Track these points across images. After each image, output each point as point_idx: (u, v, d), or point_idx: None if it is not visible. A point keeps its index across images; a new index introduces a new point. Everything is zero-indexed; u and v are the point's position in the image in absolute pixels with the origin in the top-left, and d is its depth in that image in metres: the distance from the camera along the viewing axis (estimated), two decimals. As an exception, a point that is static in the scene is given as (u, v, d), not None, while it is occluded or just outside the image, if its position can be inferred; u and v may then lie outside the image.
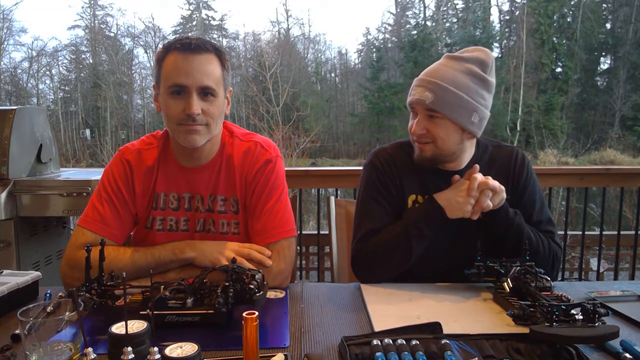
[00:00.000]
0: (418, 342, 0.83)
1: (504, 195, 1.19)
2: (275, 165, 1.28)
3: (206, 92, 1.16)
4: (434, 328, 0.88)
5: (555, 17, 26.65)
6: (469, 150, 1.32)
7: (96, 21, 30.01)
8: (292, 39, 30.77)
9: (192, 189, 1.27)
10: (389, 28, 32.54)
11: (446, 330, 0.88)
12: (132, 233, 1.32)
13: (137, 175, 1.25)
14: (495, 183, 1.17)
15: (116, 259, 1.13)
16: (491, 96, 1.28)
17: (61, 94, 28.61)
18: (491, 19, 29.28)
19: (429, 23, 30.16)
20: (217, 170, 1.26)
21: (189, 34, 1.21)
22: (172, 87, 1.14)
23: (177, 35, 1.21)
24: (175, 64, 1.14)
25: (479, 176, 1.17)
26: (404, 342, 0.83)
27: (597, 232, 2.93)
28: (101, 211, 1.21)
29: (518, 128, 24.91)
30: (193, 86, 1.13)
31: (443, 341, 0.83)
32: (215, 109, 1.18)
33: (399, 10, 31.91)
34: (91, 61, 29.29)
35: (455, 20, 30.33)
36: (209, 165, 1.26)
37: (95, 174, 2.60)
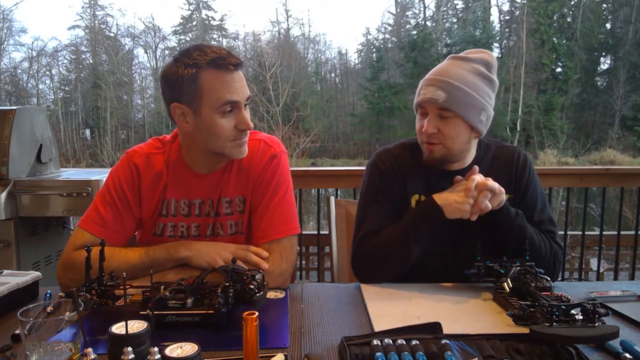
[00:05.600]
0: (418, 342, 0.83)
1: (504, 197, 1.18)
2: (281, 161, 1.28)
3: (246, 103, 1.18)
4: (434, 328, 0.88)
5: (555, 17, 26.65)
6: (473, 149, 1.33)
7: (96, 21, 30.03)
8: (292, 39, 30.79)
9: (203, 194, 1.26)
10: (389, 28, 32.57)
11: (446, 330, 0.88)
12: (137, 238, 1.32)
13: (144, 179, 1.24)
14: (494, 184, 1.16)
15: (110, 258, 1.09)
16: (495, 96, 1.30)
17: (61, 94, 28.61)
18: (491, 19, 29.34)
19: (429, 23, 30.17)
20: (228, 173, 1.26)
21: (207, 45, 1.15)
22: (225, 105, 1.13)
23: (196, 50, 1.14)
24: (223, 82, 1.12)
25: (477, 177, 1.17)
26: (404, 342, 0.83)
27: (597, 232, 2.93)
28: (103, 214, 1.20)
29: (518, 128, 24.92)
30: (242, 100, 1.15)
31: (443, 341, 0.83)
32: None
33: (399, 10, 31.93)
34: (91, 61, 29.29)
35: (455, 20, 30.34)
36: (221, 169, 1.26)
37: (95, 174, 2.60)
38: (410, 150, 1.35)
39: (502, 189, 1.18)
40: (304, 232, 2.97)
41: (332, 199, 1.73)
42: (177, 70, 1.13)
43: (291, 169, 1.34)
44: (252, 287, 0.93)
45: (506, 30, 28.98)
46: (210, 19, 31.69)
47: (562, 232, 2.84)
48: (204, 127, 1.15)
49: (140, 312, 0.91)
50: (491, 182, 1.16)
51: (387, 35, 32.52)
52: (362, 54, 33.11)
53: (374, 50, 31.43)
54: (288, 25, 30.75)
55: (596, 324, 0.88)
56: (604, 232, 2.85)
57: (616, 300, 1.10)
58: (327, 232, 1.79)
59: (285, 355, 0.80)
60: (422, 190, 1.32)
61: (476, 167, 1.22)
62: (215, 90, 1.12)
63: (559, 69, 26.80)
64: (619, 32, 27.01)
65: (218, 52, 1.13)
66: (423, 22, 30.39)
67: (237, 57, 1.15)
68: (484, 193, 1.15)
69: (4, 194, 2.36)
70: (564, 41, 26.51)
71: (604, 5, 28.34)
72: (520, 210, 1.25)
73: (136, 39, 29.77)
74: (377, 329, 0.94)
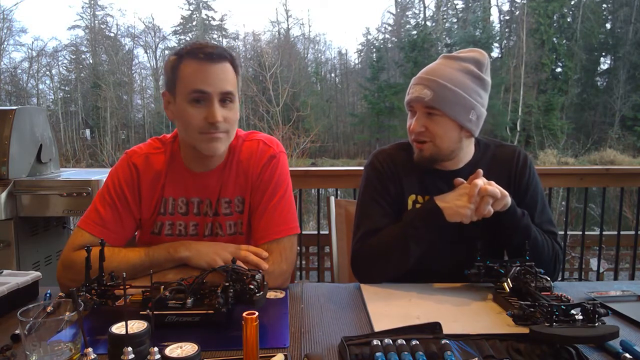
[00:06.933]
0: (418, 342, 0.83)
1: (508, 200, 1.17)
2: (279, 161, 1.27)
3: (225, 99, 1.15)
4: (434, 328, 0.88)
5: (555, 17, 26.65)
6: (467, 149, 1.32)
7: (96, 21, 30.06)
8: (292, 39, 30.81)
9: (201, 193, 1.26)
10: (389, 28, 32.58)
11: (446, 330, 0.88)
12: (137, 238, 1.32)
13: (144, 179, 1.24)
14: (495, 190, 1.14)
15: (110, 258, 1.09)
16: (487, 95, 1.29)
17: (61, 94, 28.64)
18: (491, 19, 29.35)
19: (429, 23, 30.18)
20: (226, 173, 1.26)
21: (199, 40, 1.18)
22: (193, 94, 1.12)
23: (188, 43, 1.19)
24: (195, 70, 1.12)
25: (480, 182, 1.15)
26: (404, 342, 0.83)
27: (597, 232, 2.93)
28: (102, 214, 1.20)
29: (518, 128, 24.91)
30: (214, 93, 1.13)
31: (443, 341, 0.83)
32: (233, 115, 1.18)
33: (399, 10, 31.93)
34: (91, 61, 29.32)
35: (455, 20, 30.35)
36: (218, 169, 1.26)
37: (95, 174, 2.60)
38: (406, 150, 1.35)
39: (506, 193, 1.16)
40: (304, 232, 2.97)
41: (332, 199, 1.73)
42: (169, 59, 1.18)
43: (291, 169, 1.34)
44: (252, 287, 0.93)
45: (506, 30, 28.99)
46: (210, 19, 31.73)
47: (562, 232, 2.84)
48: (178, 115, 1.17)
49: (140, 312, 0.91)
50: (492, 188, 1.14)
51: (387, 35, 32.57)
52: (362, 54, 33.17)
53: (374, 50, 31.45)
54: (288, 25, 30.81)
55: (596, 324, 0.88)
56: (604, 232, 2.85)
57: (616, 300, 1.10)
58: (327, 232, 1.79)
59: (285, 355, 0.80)
60: (417, 190, 1.32)
61: (480, 171, 1.20)
62: (187, 78, 1.13)
63: (559, 69, 26.80)
64: (619, 32, 27.00)
65: (201, 44, 1.15)
66: (423, 22, 30.41)
67: (221, 50, 1.15)
68: (486, 199, 1.14)
69: (4, 194, 2.36)
70: (564, 41, 26.51)
71: (604, 5, 28.34)
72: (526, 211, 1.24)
73: (136, 39, 29.82)
74: (377, 329, 0.94)
